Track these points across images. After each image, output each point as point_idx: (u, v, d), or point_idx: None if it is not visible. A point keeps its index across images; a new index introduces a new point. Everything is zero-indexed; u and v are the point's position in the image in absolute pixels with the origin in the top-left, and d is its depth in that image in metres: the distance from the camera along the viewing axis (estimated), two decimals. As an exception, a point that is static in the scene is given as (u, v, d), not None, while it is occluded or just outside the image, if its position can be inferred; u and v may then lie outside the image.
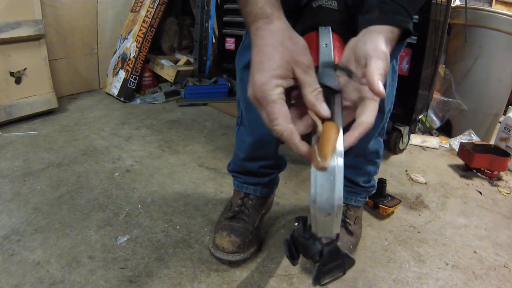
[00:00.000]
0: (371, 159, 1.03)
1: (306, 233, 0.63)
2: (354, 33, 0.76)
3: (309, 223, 0.63)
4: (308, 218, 0.66)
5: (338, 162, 0.47)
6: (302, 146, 0.48)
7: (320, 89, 0.51)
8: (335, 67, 0.55)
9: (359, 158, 1.01)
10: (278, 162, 1.07)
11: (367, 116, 0.49)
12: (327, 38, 0.61)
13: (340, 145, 0.48)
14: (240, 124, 1.01)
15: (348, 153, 1.01)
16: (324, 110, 0.49)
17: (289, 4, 0.63)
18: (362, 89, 0.51)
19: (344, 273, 0.66)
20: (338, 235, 0.58)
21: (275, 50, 0.49)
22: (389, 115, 0.96)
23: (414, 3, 0.58)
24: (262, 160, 1.02)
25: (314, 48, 0.59)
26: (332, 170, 0.47)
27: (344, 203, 1.06)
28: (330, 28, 0.63)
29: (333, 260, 0.61)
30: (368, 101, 0.50)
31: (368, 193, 1.10)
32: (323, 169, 0.45)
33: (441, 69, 2.08)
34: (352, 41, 0.55)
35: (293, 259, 0.66)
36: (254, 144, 0.98)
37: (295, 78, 0.50)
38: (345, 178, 1.08)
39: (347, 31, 0.72)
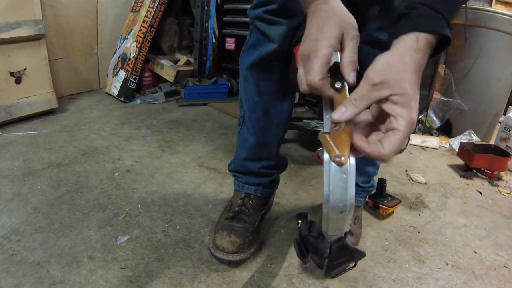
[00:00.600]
0: (370, 159, 1.03)
1: (314, 232, 0.64)
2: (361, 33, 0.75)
3: (309, 220, 0.64)
4: (308, 215, 0.66)
5: (350, 161, 0.48)
6: (329, 91, 0.54)
7: (355, 59, 0.54)
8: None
9: (358, 159, 1.01)
10: (280, 163, 1.07)
11: (385, 147, 0.48)
12: None
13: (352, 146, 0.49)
14: (242, 124, 1.01)
15: None
16: (351, 77, 0.53)
17: (299, 7, 0.64)
18: (390, 121, 0.49)
19: (355, 265, 0.66)
20: (346, 232, 0.59)
21: (332, 20, 0.55)
22: None
23: (449, 3, 0.53)
24: (263, 161, 1.02)
25: None
26: (345, 169, 0.48)
27: None
28: None
29: (341, 255, 0.62)
30: (391, 132, 0.48)
31: (367, 193, 1.10)
32: (340, 164, 0.46)
33: (441, 69, 2.08)
34: None
35: (304, 258, 0.67)
36: (257, 144, 0.98)
37: (342, 44, 0.55)
38: None
39: None
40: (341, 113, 0.50)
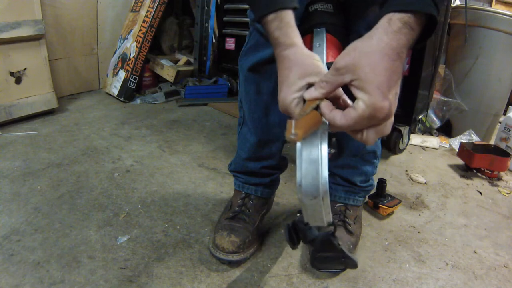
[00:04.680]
0: (368, 159, 1.03)
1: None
2: (352, 33, 0.76)
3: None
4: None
5: (322, 147, 0.50)
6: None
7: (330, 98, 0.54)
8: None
9: (356, 158, 1.02)
10: (281, 163, 1.07)
11: (339, 119, 0.50)
12: (320, 39, 0.63)
13: (325, 133, 0.51)
14: (242, 124, 1.01)
15: (345, 152, 1.02)
16: (335, 118, 0.51)
17: (299, 10, 0.65)
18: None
19: (344, 269, 0.67)
20: (334, 228, 0.59)
21: (289, 71, 0.57)
22: None
23: None
24: (264, 160, 1.02)
25: (308, 49, 0.62)
26: (316, 155, 0.49)
27: (343, 202, 1.06)
28: (324, 29, 0.65)
29: (326, 249, 0.62)
30: (351, 109, 0.50)
31: (366, 192, 1.10)
32: (292, 140, 0.48)
33: (441, 69, 2.08)
34: None
35: (293, 244, 0.68)
36: (258, 144, 0.98)
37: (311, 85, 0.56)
38: (342, 178, 1.08)
39: (345, 32, 0.72)
40: (310, 92, 0.53)
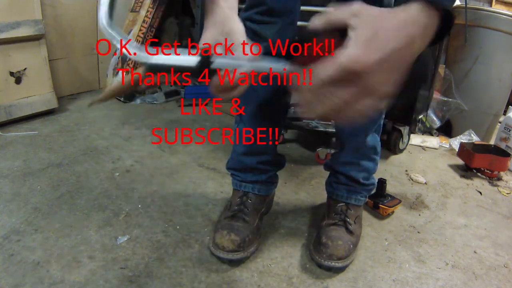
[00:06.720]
0: (368, 154, 1.04)
1: None
2: None
3: None
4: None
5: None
6: None
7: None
8: None
9: (357, 154, 1.03)
10: (276, 159, 1.08)
11: (320, 69, 0.40)
12: None
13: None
14: (239, 122, 1.04)
15: (346, 149, 1.03)
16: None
17: (288, 5, 0.65)
18: None
19: None
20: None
21: (210, 28, 0.55)
22: (385, 112, 0.97)
23: None
24: (260, 155, 1.03)
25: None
26: None
27: (344, 202, 1.06)
28: None
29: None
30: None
31: (368, 192, 1.10)
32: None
33: (441, 69, 2.08)
34: None
35: None
36: (254, 135, 1.00)
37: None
38: (345, 176, 1.09)
39: None
40: (313, 23, 0.42)
